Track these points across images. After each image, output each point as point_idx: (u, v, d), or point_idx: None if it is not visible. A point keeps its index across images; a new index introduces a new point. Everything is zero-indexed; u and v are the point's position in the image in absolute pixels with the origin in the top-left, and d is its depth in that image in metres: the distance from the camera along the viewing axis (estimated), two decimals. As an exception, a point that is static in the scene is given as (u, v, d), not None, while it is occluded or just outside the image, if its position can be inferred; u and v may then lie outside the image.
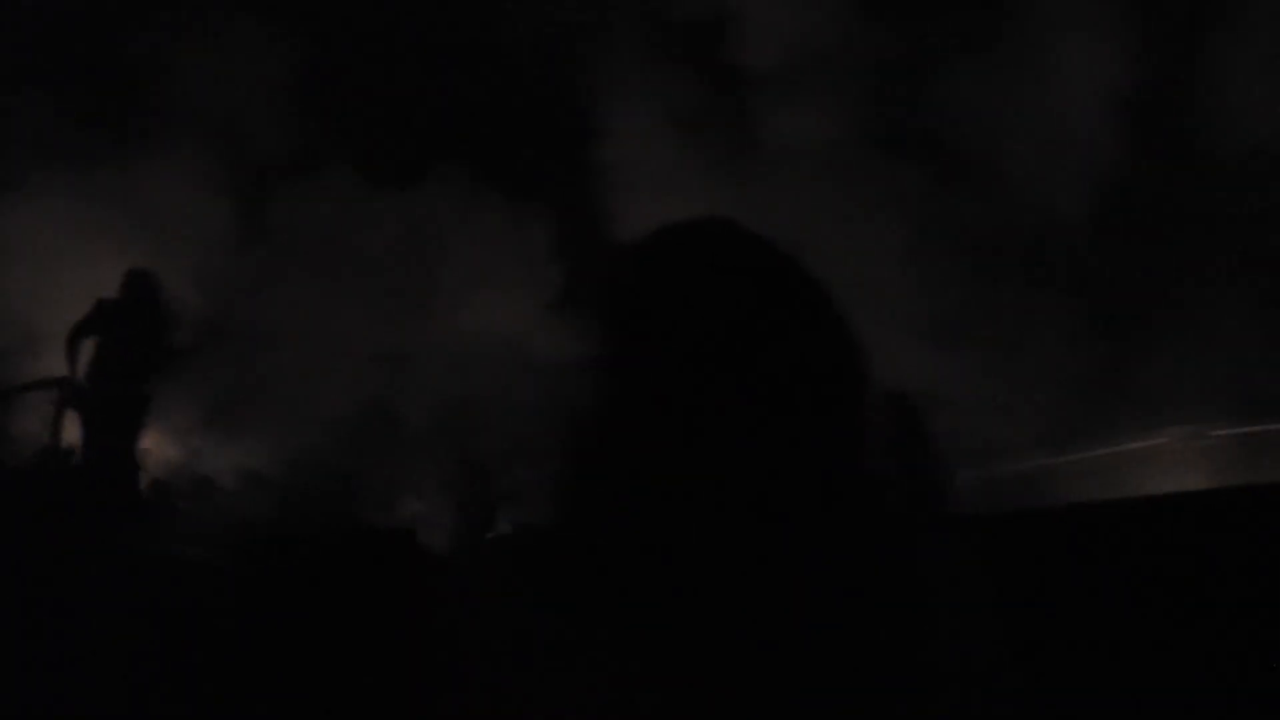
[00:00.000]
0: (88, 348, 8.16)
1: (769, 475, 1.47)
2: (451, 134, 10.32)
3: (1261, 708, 3.51)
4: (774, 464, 1.48)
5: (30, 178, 9.52)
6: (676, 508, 1.47)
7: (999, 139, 9.58)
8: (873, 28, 9.93)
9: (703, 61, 10.27)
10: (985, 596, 1.53)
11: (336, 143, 10.31)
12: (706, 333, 1.50)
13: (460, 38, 10.73)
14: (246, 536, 7.07)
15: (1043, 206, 9.48)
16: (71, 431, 8.09)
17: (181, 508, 8.06)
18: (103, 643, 4.99)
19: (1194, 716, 3.59)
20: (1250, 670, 3.59)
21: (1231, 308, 9.22)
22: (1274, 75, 9.30)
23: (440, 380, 9.32)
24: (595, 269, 1.62)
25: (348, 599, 4.82)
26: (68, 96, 9.97)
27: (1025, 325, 9.31)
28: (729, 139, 9.98)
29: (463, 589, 1.70)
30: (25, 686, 4.75)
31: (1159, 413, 8.76)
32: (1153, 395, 8.96)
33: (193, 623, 5.01)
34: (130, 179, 9.75)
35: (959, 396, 8.21)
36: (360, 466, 8.67)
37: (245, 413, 9.63)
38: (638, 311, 1.54)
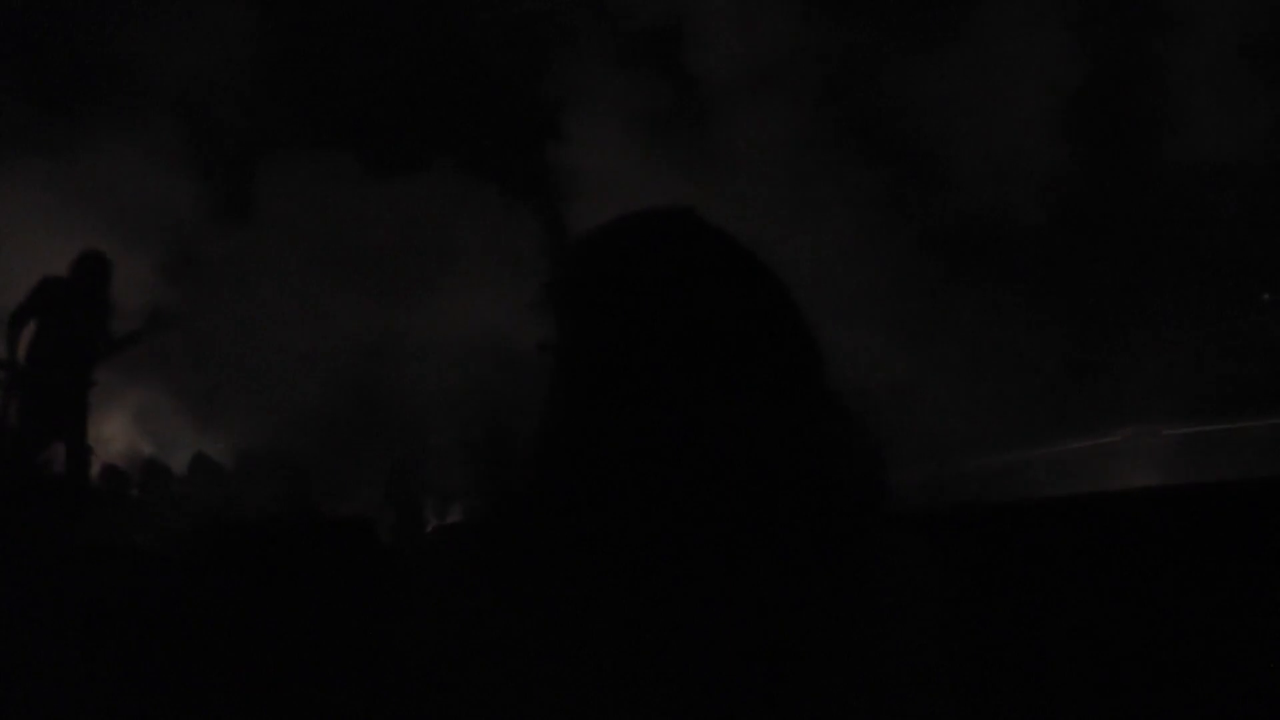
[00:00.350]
0: (30, 329, 8.01)
1: (722, 465, 1.48)
2: (421, 129, 10.32)
3: (1210, 702, 3.55)
4: (726, 454, 1.48)
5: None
6: (628, 497, 1.48)
7: (962, 139, 9.65)
8: (832, 30, 10.00)
9: (667, 67, 10.33)
10: (939, 590, 1.55)
11: (296, 135, 10.29)
12: (661, 320, 1.51)
13: (436, 37, 10.74)
14: (200, 525, 7.02)
15: (1003, 206, 9.55)
16: (16, 415, 7.97)
17: (134, 495, 7.99)
18: (49, 634, 4.95)
19: (1147, 709, 3.63)
20: (1199, 666, 3.63)
21: (1184, 310, 9.32)
22: (1231, 82, 9.40)
23: (401, 372, 9.31)
24: (558, 257, 1.63)
25: (303, 589, 4.80)
26: (38, 79, 9.90)
27: (982, 324, 9.38)
28: (694, 140, 10.04)
29: (419, 579, 1.71)
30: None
31: (1113, 412, 8.84)
32: (1107, 394, 9.04)
33: (144, 613, 4.97)
34: (97, 166, 9.70)
35: (915, 393, 8.27)
36: (318, 456, 8.63)
37: (202, 401, 9.57)
38: (593, 298, 1.55)
